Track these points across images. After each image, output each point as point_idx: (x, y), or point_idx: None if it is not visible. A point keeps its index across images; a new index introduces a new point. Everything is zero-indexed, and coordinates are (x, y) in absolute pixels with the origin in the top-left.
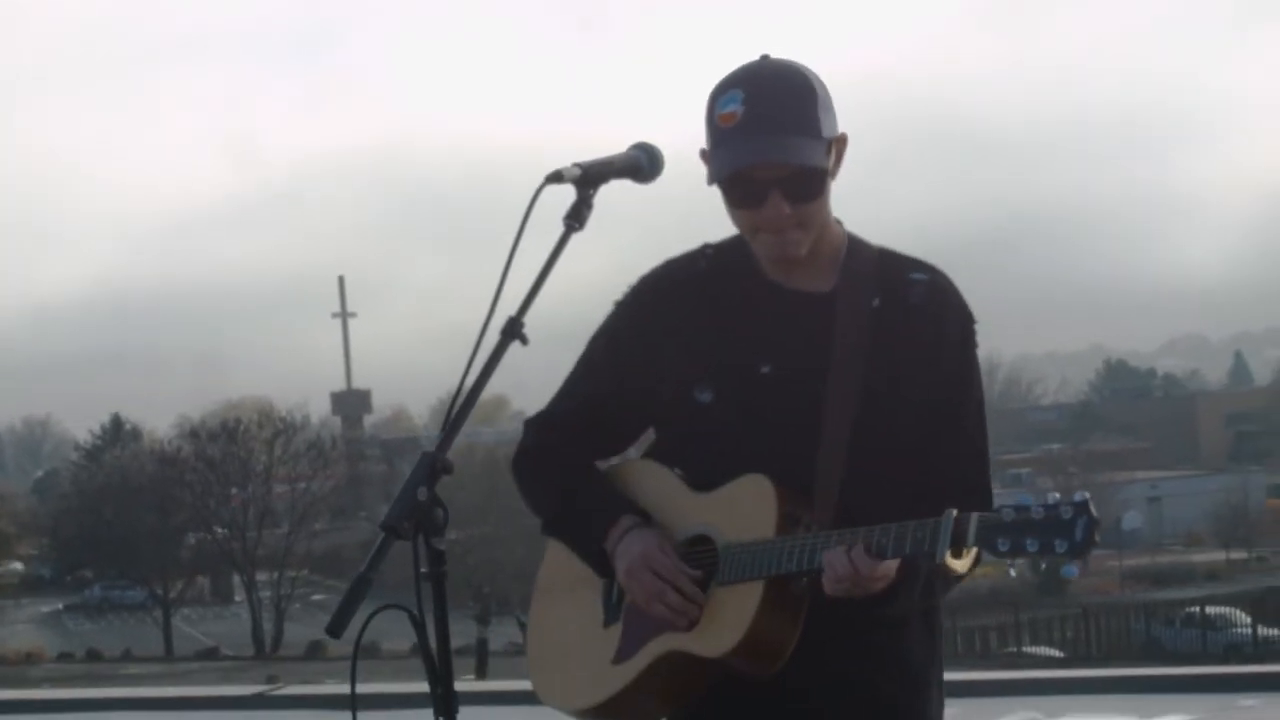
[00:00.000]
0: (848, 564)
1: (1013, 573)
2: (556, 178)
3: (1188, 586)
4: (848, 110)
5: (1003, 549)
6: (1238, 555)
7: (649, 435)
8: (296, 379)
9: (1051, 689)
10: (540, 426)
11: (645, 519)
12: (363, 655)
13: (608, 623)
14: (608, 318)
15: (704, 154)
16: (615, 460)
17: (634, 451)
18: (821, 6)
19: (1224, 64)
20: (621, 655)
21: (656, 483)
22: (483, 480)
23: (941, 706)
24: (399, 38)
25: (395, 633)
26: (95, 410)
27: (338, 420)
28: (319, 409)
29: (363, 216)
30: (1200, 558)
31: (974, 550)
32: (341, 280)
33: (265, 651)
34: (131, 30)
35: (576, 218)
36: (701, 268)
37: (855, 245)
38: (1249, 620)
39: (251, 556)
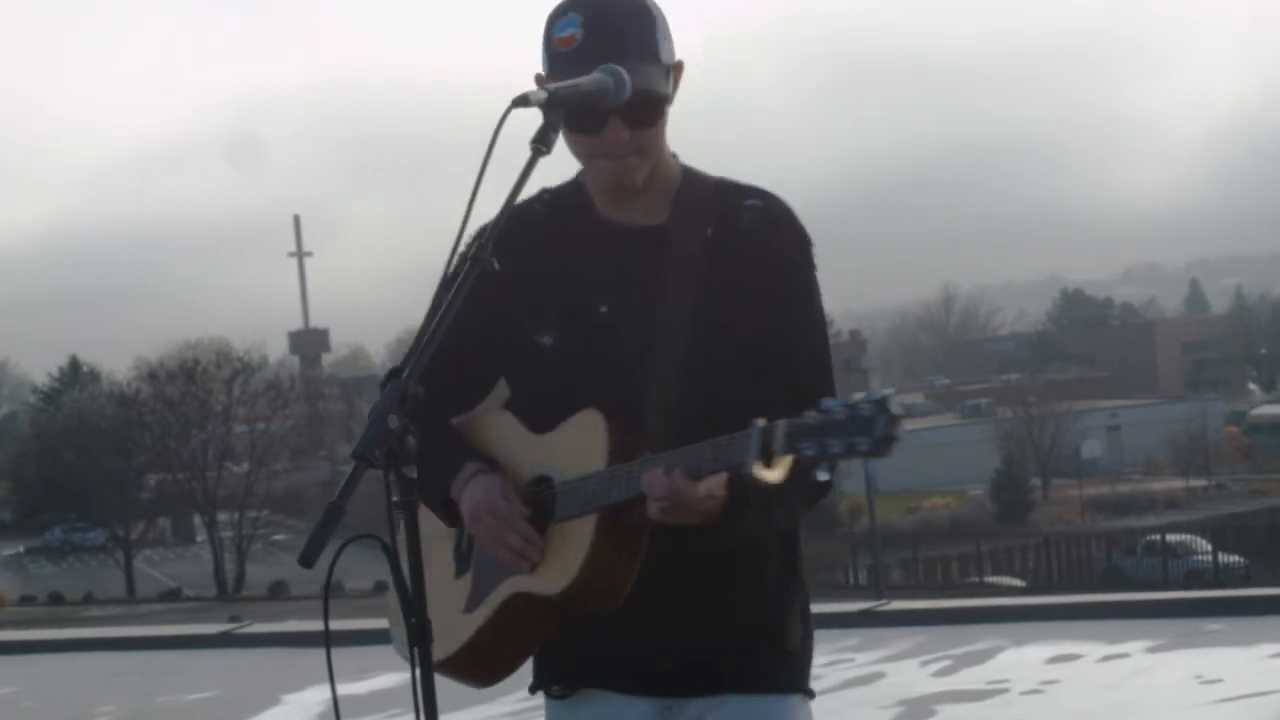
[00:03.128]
0: (665, 482)
1: (822, 477)
2: (523, 101)
3: (1148, 515)
4: (793, 45)
5: (809, 452)
6: (1197, 483)
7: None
8: (254, 319)
9: (1016, 616)
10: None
11: (489, 466)
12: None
13: (459, 573)
14: (451, 268)
15: (540, 79)
16: (473, 412)
17: (493, 403)
18: None
19: None
20: (471, 604)
21: (499, 430)
22: None
23: (808, 639)
24: None
25: (359, 572)
26: (53, 352)
27: (296, 360)
28: (277, 349)
29: (317, 155)
30: (1160, 486)
31: (787, 460)
32: (297, 219)
33: (228, 592)
34: None
35: (544, 141)
36: (538, 211)
37: (690, 176)
38: (1209, 547)
39: (212, 497)
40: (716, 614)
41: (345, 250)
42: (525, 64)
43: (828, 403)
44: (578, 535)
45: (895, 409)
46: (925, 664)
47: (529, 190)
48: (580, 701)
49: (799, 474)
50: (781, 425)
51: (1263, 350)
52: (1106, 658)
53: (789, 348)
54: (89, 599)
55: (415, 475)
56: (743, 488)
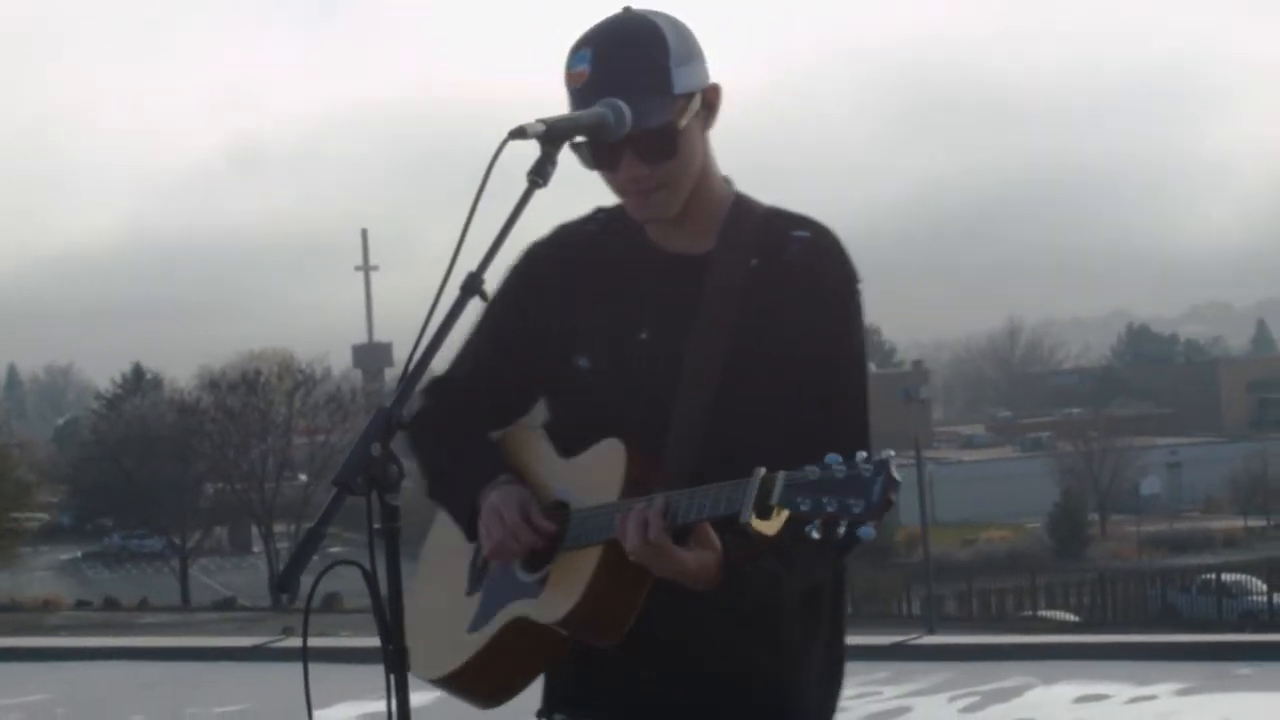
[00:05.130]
0: (633, 530)
1: (814, 535)
2: (520, 133)
3: (1205, 553)
4: (868, 75)
5: (803, 508)
6: (1256, 523)
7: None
8: (318, 331)
9: (1049, 654)
10: (433, 390)
11: (520, 482)
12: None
13: (470, 591)
14: (501, 281)
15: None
16: (510, 428)
17: (536, 419)
18: None
19: (1247, 28)
20: (476, 624)
21: (531, 449)
22: None
23: (829, 694)
24: None
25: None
26: (117, 359)
27: (359, 373)
28: (340, 361)
29: (388, 170)
30: (1218, 524)
31: (784, 514)
32: (364, 233)
33: (282, 603)
34: None
35: (540, 174)
36: (590, 231)
37: (741, 205)
38: (1265, 588)
39: (270, 508)
40: (715, 664)
41: (412, 266)
42: None
43: (831, 457)
44: (581, 565)
45: (895, 474)
46: (953, 699)
47: (528, 221)
48: None
49: (797, 530)
50: (781, 477)
51: None
52: (1134, 699)
53: (822, 389)
54: (144, 605)
55: (398, 502)
56: (745, 542)
